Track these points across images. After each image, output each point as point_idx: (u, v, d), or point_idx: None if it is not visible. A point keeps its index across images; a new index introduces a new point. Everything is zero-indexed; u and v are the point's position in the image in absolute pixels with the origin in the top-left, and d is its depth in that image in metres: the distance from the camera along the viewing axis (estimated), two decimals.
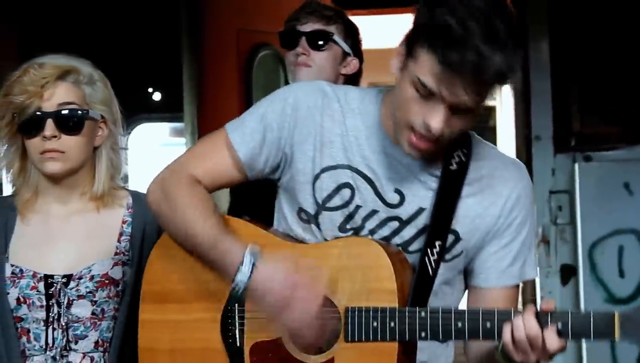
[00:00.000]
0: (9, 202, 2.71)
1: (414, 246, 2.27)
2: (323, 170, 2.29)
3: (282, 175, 2.34)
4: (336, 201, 2.28)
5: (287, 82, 3.74)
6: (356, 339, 2.16)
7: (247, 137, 2.33)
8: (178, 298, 2.37)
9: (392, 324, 2.14)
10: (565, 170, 4.87)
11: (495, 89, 2.07)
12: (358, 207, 2.27)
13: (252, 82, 5.30)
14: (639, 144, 4.83)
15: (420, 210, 2.26)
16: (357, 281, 2.19)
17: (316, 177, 2.30)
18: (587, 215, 4.76)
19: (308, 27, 3.22)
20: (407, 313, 2.14)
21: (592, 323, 2.03)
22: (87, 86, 2.65)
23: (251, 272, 2.18)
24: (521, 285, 2.34)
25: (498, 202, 2.27)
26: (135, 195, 2.71)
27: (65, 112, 2.60)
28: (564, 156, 4.91)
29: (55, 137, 2.59)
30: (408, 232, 2.27)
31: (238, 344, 2.29)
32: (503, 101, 11.35)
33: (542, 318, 2.06)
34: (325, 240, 2.29)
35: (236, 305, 2.29)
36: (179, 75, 5.23)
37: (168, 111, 5.79)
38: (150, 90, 5.75)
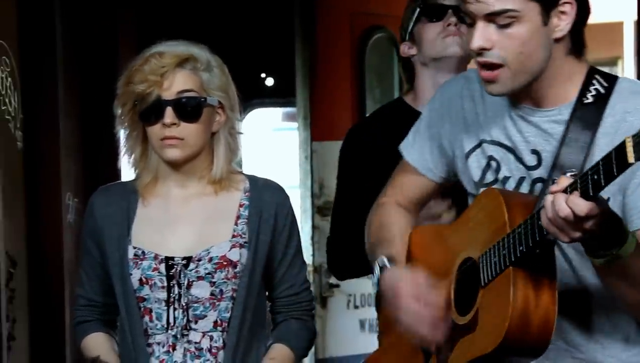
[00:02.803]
0: (130, 186, 2.77)
1: None
2: (472, 149, 2.39)
3: (456, 169, 2.47)
4: (489, 177, 2.36)
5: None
6: (487, 281, 2.21)
7: (410, 140, 2.53)
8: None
9: (504, 251, 2.16)
10: None
11: None
12: (506, 178, 2.33)
13: (365, 65, 5.30)
14: None
15: (549, 178, 2.27)
16: (485, 229, 2.24)
17: (467, 157, 2.39)
18: None
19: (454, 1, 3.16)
20: (510, 237, 2.15)
21: (604, 165, 1.93)
22: (204, 73, 2.69)
23: (378, 279, 2.39)
24: None
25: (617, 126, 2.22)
26: (252, 179, 2.76)
27: (184, 100, 2.65)
28: None
29: (174, 124, 2.64)
30: None
31: None
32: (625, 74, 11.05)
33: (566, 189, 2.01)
34: None
35: None
36: (291, 60, 5.27)
37: (281, 96, 5.82)
38: (263, 75, 5.80)
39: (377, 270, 2.40)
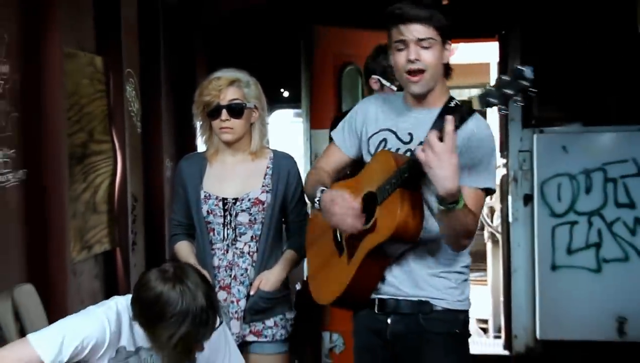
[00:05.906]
0: (202, 155, 2.75)
1: None
2: (372, 135, 2.34)
3: (362, 148, 2.39)
4: (381, 148, 2.32)
5: (363, 88, 3.65)
6: (383, 200, 2.16)
7: (338, 132, 2.42)
8: (316, 240, 2.43)
9: (394, 180, 2.13)
10: (528, 138, 4.76)
11: (430, 28, 2.15)
12: (390, 149, 2.30)
13: (342, 86, 5.25)
14: (572, 123, 4.71)
15: (422, 143, 2.22)
16: (379, 173, 2.19)
17: (369, 139, 2.34)
18: (540, 165, 4.68)
19: None
20: (397, 172, 2.13)
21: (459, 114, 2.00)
22: (246, 88, 2.66)
23: (319, 199, 2.26)
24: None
25: (463, 135, 2.14)
26: (275, 152, 2.72)
27: (233, 105, 2.63)
28: (528, 130, 4.79)
29: (227, 120, 2.63)
30: None
31: (339, 239, 2.33)
32: None
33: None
34: None
35: None
36: (299, 81, 5.22)
37: (292, 103, 5.78)
38: (282, 90, 5.74)
39: (319, 194, 2.28)
